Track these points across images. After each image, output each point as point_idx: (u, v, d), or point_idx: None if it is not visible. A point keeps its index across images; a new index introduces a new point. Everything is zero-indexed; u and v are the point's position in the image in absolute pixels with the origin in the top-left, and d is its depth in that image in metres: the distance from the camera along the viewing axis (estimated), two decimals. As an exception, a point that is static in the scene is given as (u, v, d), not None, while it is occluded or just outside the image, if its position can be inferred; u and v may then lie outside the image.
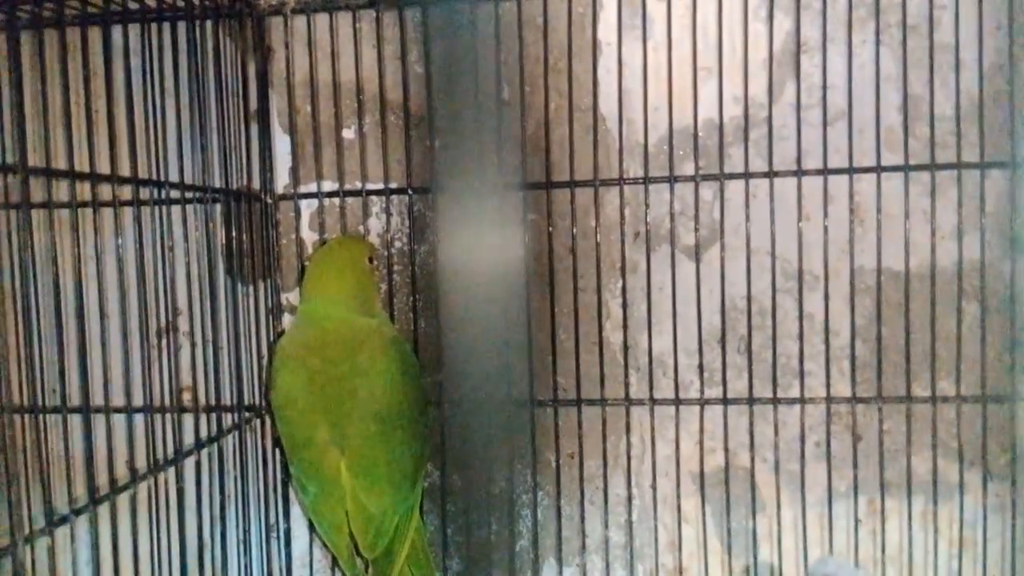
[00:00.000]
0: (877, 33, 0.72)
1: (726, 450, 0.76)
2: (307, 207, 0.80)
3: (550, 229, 0.76)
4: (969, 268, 0.73)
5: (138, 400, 0.58)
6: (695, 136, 0.75)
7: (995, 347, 0.73)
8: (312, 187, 0.79)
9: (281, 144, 0.79)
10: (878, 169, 0.72)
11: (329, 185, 0.79)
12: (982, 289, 0.73)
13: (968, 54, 0.72)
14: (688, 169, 0.75)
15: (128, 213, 0.61)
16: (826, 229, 0.73)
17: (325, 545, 0.71)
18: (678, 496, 0.76)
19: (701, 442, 0.75)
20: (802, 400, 0.74)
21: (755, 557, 0.77)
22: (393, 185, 0.77)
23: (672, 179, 0.74)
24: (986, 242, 0.72)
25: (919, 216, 0.73)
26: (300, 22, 0.77)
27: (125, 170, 0.58)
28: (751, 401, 0.75)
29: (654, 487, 0.77)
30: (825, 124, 0.73)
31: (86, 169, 0.54)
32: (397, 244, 0.79)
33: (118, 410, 0.55)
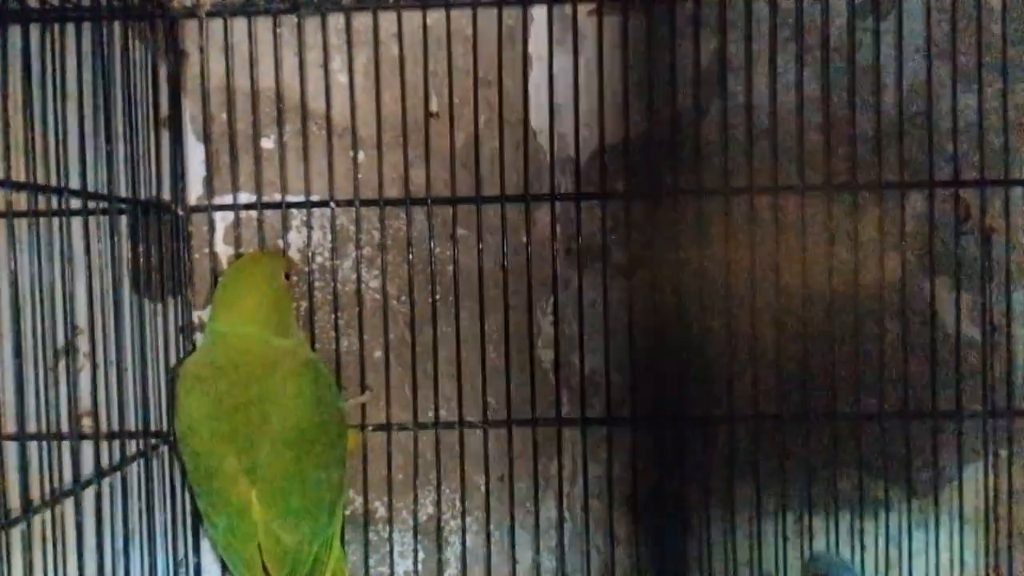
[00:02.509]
0: (800, 54, 0.74)
1: (658, 470, 0.75)
2: (222, 220, 0.75)
3: (480, 245, 0.74)
4: (891, 287, 0.74)
5: (33, 427, 0.53)
6: (625, 152, 0.74)
7: (916, 364, 0.74)
8: (228, 199, 0.75)
9: (194, 153, 0.75)
10: (802, 188, 0.73)
11: (246, 197, 0.75)
12: (903, 308, 0.74)
13: (888, 76, 0.74)
14: (619, 186, 0.74)
15: (24, 223, 0.56)
16: (752, 248, 0.74)
17: (238, 580, 0.67)
18: (611, 519, 0.75)
19: (633, 463, 0.74)
20: (731, 418, 0.74)
21: (686, 579, 0.76)
22: (315, 198, 0.74)
23: (604, 196, 0.74)
24: (907, 261, 0.74)
25: (842, 236, 0.74)
26: (216, 25, 0.73)
27: (21, 176, 0.53)
28: (681, 420, 0.74)
29: (586, 509, 0.75)
30: (751, 142, 0.74)
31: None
32: (318, 259, 0.75)
33: (10, 437, 0.50)
